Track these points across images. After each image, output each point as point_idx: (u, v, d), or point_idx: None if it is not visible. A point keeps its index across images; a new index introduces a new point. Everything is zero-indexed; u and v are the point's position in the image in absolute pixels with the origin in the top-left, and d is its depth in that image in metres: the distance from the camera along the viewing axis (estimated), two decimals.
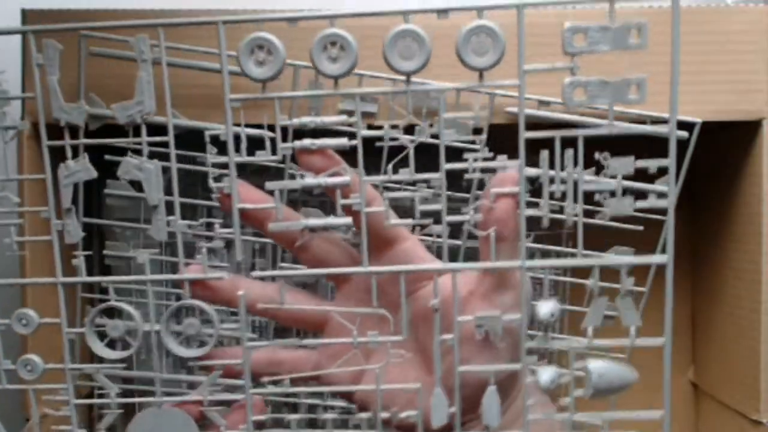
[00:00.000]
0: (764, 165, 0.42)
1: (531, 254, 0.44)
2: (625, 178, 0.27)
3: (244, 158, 0.29)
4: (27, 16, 0.40)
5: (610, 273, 0.29)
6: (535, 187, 0.29)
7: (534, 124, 0.38)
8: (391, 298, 0.31)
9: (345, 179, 0.29)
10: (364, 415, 0.31)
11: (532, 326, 0.36)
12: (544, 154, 0.27)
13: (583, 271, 0.30)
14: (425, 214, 0.29)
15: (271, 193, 0.29)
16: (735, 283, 0.46)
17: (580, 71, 0.26)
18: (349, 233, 0.36)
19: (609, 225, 0.31)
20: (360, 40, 0.27)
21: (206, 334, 0.31)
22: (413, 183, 0.33)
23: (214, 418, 0.31)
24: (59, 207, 0.30)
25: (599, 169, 0.27)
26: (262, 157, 0.30)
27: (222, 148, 0.29)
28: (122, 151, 0.31)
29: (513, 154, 0.28)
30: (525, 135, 0.26)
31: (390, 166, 0.29)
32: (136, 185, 0.31)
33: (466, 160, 0.29)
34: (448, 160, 0.28)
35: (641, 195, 0.28)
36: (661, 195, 0.27)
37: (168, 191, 0.30)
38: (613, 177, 0.26)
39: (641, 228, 0.40)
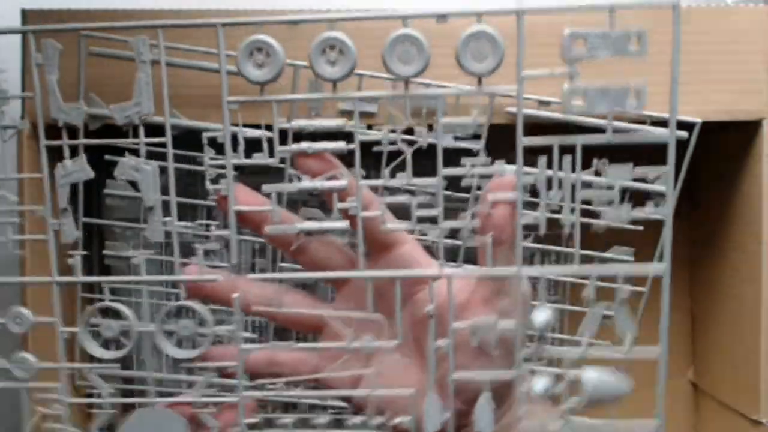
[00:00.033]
0: (764, 165, 0.42)
1: (531, 254, 0.44)
2: None
3: (242, 160, 0.29)
4: (27, 16, 0.40)
5: None
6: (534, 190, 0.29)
7: (534, 123, 0.38)
8: (391, 301, 0.31)
9: (341, 183, 0.29)
10: (357, 419, 0.31)
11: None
12: (542, 160, 0.27)
13: None
14: (423, 219, 0.29)
15: (268, 195, 0.30)
16: (735, 283, 0.46)
17: (580, 70, 0.26)
18: (346, 236, 0.35)
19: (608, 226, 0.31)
20: (359, 39, 0.27)
21: (201, 334, 0.31)
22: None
23: (205, 419, 0.31)
24: (56, 206, 0.30)
25: (597, 174, 0.27)
26: (260, 160, 0.30)
27: (220, 150, 0.29)
28: (123, 151, 0.31)
29: (512, 153, 0.27)
30: (523, 142, 0.26)
31: (388, 170, 0.29)
32: (136, 185, 0.31)
33: (464, 164, 0.29)
34: (448, 160, 0.28)
35: (640, 195, 0.28)
36: (659, 194, 0.27)
37: (166, 191, 0.30)
38: (611, 188, 0.26)
39: (641, 228, 0.40)
